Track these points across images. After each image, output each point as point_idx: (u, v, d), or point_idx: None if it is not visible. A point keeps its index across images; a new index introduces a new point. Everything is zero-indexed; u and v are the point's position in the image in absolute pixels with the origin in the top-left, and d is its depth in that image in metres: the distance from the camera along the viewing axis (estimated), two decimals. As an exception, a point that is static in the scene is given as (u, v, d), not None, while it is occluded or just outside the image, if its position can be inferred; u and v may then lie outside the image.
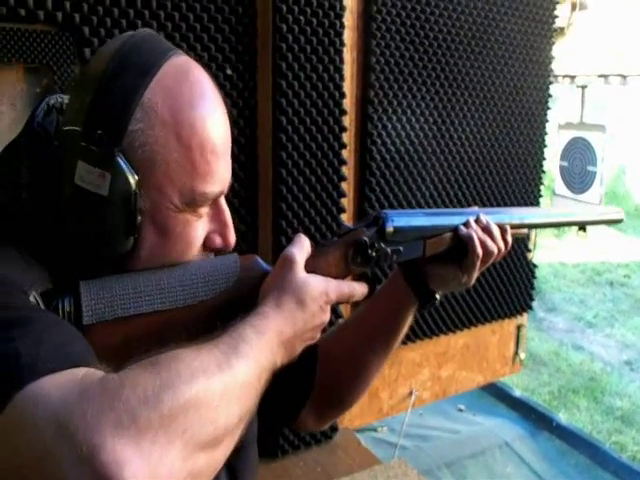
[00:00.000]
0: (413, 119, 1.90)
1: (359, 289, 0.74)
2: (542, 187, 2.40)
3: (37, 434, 0.41)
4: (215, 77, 1.63)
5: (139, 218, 0.62)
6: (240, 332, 0.58)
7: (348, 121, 1.76)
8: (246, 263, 0.70)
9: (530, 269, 2.38)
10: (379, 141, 1.83)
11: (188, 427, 0.45)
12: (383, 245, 0.77)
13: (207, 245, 0.69)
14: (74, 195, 0.61)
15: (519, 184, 2.27)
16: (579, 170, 4.24)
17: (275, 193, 1.65)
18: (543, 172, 2.36)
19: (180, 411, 0.45)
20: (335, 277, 0.72)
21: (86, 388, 0.44)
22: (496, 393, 3.21)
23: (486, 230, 0.83)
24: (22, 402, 0.43)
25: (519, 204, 2.27)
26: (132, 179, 0.61)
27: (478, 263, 0.82)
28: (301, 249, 0.70)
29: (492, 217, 0.85)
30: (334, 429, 1.89)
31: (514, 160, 2.23)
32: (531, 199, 2.33)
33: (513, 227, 0.87)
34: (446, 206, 2.03)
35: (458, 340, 2.24)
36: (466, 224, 0.83)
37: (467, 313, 2.20)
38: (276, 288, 0.66)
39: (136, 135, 0.61)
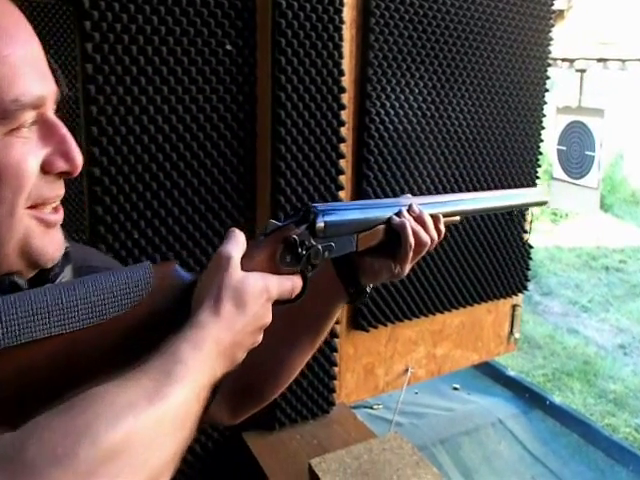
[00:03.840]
0: (411, 98, 1.91)
1: (299, 283, 0.70)
2: (539, 169, 2.41)
3: None
4: (214, 53, 1.62)
5: None
6: (174, 351, 0.52)
7: (347, 99, 1.76)
8: (162, 271, 0.63)
9: (526, 250, 2.40)
10: (377, 119, 1.84)
11: (116, 477, 0.39)
12: (314, 242, 0.71)
13: (48, 171, 0.59)
14: None
15: (516, 165, 2.28)
16: (577, 155, 4.23)
17: (273, 170, 1.66)
18: (540, 154, 2.38)
19: (103, 461, 0.39)
20: None
21: None
22: (491, 373, 3.26)
23: (419, 220, 0.81)
24: None
25: (516, 185, 2.29)
26: None
27: (411, 254, 0.80)
28: (237, 245, 0.63)
29: (425, 207, 0.83)
30: (331, 404, 1.93)
31: (511, 141, 2.24)
32: (528, 180, 2.34)
33: (446, 215, 0.86)
34: (443, 185, 2.04)
35: (454, 319, 2.27)
36: (399, 214, 0.80)
37: (463, 292, 2.22)
38: (212, 292, 0.59)
39: None
